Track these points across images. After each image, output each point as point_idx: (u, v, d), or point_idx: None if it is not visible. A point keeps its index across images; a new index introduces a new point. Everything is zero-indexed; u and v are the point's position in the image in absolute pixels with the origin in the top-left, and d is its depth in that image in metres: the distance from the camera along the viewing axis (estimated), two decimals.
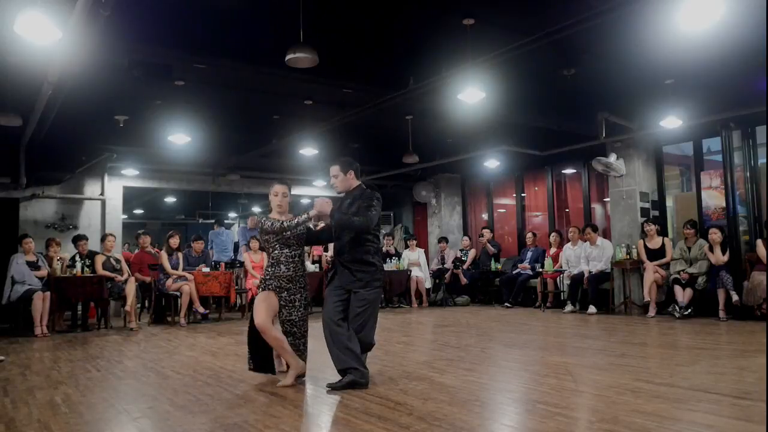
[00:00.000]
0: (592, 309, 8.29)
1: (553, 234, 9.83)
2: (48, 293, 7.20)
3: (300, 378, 3.98)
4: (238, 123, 8.61)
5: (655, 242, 8.06)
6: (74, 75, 5.45)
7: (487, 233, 10.72)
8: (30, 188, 9.22)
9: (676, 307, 7.43)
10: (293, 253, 4.00)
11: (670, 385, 3.67)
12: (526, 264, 9.75)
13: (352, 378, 3.73)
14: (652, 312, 7.72)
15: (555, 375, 4.08)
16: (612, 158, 8.51)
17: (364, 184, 4.05)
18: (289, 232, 3.95)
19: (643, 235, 8.24)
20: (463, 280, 10.43)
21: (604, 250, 8.68)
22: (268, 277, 3.98)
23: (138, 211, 19.06)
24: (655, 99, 7.29)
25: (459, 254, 10.95)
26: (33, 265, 7.44)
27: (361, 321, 3.83)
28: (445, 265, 10.74)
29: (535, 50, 5.08)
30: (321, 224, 4.32)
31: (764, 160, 7.76)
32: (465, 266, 10.73)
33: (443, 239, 11.12)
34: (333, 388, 3.72)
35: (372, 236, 3.90)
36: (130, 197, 14.20)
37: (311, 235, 4.23)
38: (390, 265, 10.32)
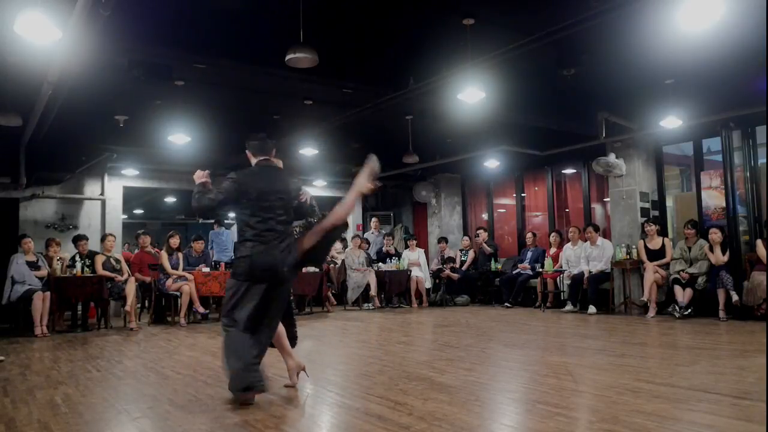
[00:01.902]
0: (592, 309, 8.29)
1: (553, 234, 9.83)
2: (48, 293, 7.20)
3: (300, 372, 3.93)
4: (238, 123, 8.60)
5: (656, 242, 8.06)
6: (74, 75, 5.45)
7: (482, 234, 10.72)
8: (30, 188, 9.22)
9: (676, 307, 7.43)
10: None
11: (670, 385, 3.67)
12: (526, 264, 9.75)
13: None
14: (652, 312, 7.72)
15: (555, 375, 4.08)
16: (612, 157, 8.52)
17: (258, 165, 3.75)
18: None
19: (644, 235, 8.25)
20: (454, 277, 10.42)
21: (604, 250, 8.68)
22: None
23: (138, 211, 19.06)
24: (655, 99, 7.29)
25: (459, 254, 10.96)
26: (33, 265, 7.44)
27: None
28: (443, 266, 10.74)
29: (535, 50, 5.08)
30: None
31: (764, 160, 7.76)
32: (465, 266, 10.74)
33: (443, 239, 11.11)
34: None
35: (241, 222, 3.59)
36: (130, 197, 14.20)
37: None
38: (390, 265, 10.33)
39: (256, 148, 3.79)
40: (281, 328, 3.87)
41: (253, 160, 3.79)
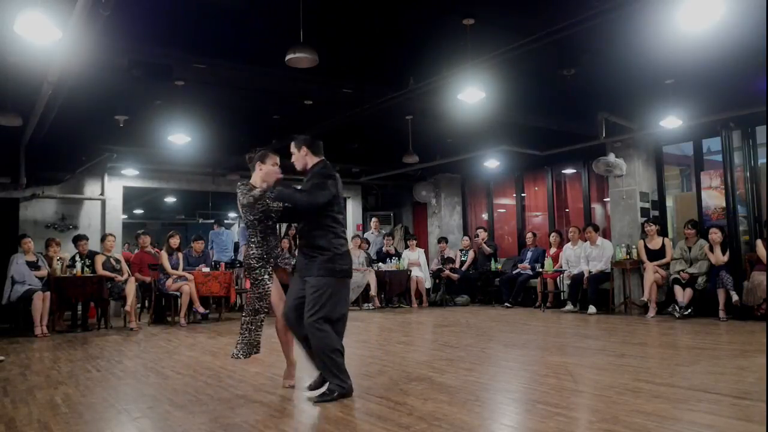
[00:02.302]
0: (592, 309, 8.29)
1: (553, 234, 9.83)
2: (48, 293, 7.20)
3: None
4: (238, 123, 8.61)
5: (656, 242, 8.06)
6: (74, 75, 5.45)
7: (482, 234, 10.72)
8: (30, 188, 9.22)
9: (676, 307, 7.43)
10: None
11: (670, 385, 3.67)
12: (526, 264, 9.76)
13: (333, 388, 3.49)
14: (652, 312, 7.72)
15: (555, 375, 4.08)
16: (612, 157, 8.52)
17: (327, 162, 3.78)
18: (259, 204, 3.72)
19: (644, 235, 8.25)
20: (454, 277, 10.42)
21: (604, 250, 8.68)
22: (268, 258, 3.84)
23: (138, 211, 19.05)
24: (655, 99, 7.28)
25: (459, 254, 10.96)
26: (33, 265, 7.44)
27: (312, 310, 3.48)
28: (443, 266, 10.74)
29: (535, 50, 5.08)
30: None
31: (764, 160, 7.76)
32: (465, 266, 10.73)
33: (443, 239, 11.11)
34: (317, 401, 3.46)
35: (330, 219, 3.58)
36: (130, 197, 14.21)
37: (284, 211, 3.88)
38: (390, 265, 10.33)
39: (319, 148, 3.80)
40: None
41: (315, 159, 3.76)
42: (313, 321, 3.45)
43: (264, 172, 3.74)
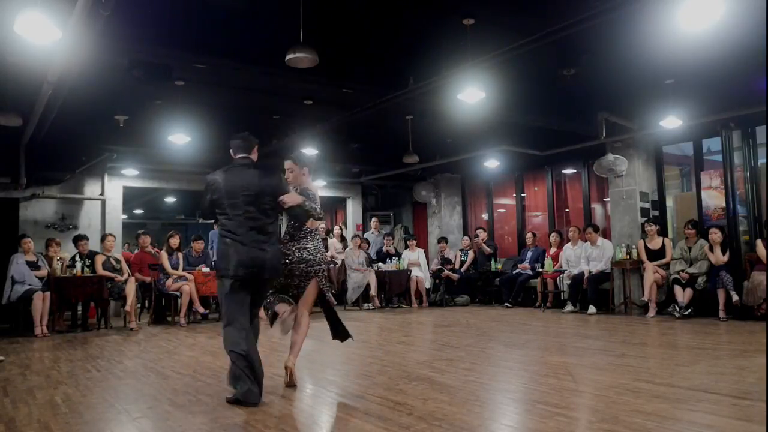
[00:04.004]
0: (592, 309, 8.29)
1: (553, 234, 9.83)
2: (48, 293, 7.20)
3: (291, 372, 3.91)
4: (238, 123, 8.59)
5: (656, 242, 8.06)
6: (74, 75, 5.45)
7: (482, 234, 10.71)
8: (30, 188, 9.22)
9: (676, 307, 7.43)
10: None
11: (670, 385, 3.67)
12: (526, 264, 9.75)
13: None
14: (652, 312, 7.72)
15: (555, 375, 4.08)
16: (612, 158, 8.52)
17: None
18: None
19: (644, 235, 8.25)
20: (454, 277, 10.42)
21: (604, 250, 8.68)
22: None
23: (138, 211, 19.06)
24: (655, 99, 7.29)
25: (459, 254, 10.96)
26: (33, 265, 7.44)
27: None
28: (442, 266, 10.74)
29: (535, 50, 5.08)
30: None
31: (764, 160, 7.76)
32: (465, 266, 10.73)
33: (443, 239, 11.11)
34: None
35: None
36: (130, 197, 14.21)
37: None
38: (390, 265, 10.33)
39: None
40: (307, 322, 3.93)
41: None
42: None
43: (290, 199, 3.74)
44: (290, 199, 3.70)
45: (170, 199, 17.22)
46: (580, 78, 6.18)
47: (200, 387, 3.94)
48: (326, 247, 10.35)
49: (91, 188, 9.95)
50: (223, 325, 3.56)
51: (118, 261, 8.14)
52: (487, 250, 10.59)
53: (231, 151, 3.77)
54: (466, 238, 11.24)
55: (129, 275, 8.04)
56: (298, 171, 3.99)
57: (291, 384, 3.84)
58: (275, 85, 6.85)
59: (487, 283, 10.58)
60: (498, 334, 6.54)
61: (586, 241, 8.93)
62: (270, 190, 3.63)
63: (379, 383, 3.92)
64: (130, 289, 7.74)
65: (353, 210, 12.94)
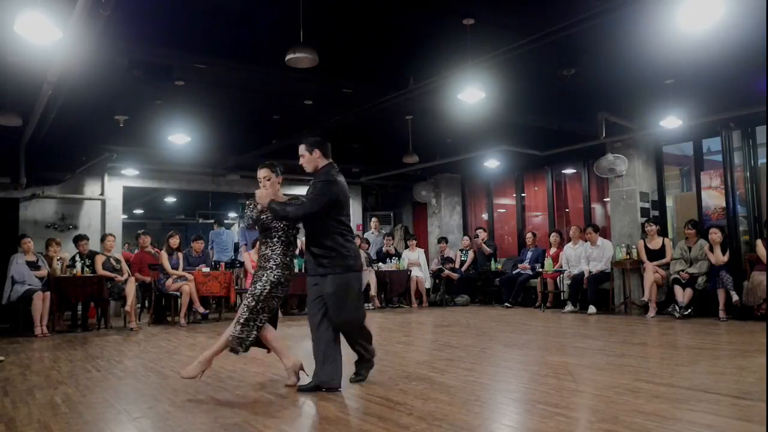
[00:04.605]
0: (592, 309, 8.29)
1: (553, 234, 9.83)
2: (48, 293, 7.20)
3: (300, 371, 3.93)
4: (238, 123, 8.61)
5: (656, 242, 8.06)
6: (74, 75, 5.45)
7: (482, 234, 10.71)
8: (30, 188, 9.22)
9: (676, 307, 7.43)
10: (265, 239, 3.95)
11: (670, 385, 3.67)
12: (526, 264, 9.76)
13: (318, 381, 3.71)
14: (652, 312, 7.72)
15: (555, 375, 4.08)
16: (612, 158, 8.52)
17: (334, 165, 3.91)
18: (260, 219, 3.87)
19: (644, 235, 8.25)
20: (454, 277, 10.42)
21: (604, 250, 8.68)
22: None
23: (138, 211, 19.05)
24: (655, 99, 7.29)
25: (459, 254, 10.95)
26: (33, 265, 7.44)
27: (336, 308, 3.71)
28: (443, 266, 10.74)
29: (535, 50, 5.08)
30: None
31: (764, 160, 7.76)
32: (465, 266, 10.73)
33: (443, 239, 11.11)
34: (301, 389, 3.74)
35: (335, 221, 3.75)
36: (130, 197, 14.20)
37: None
38: (390, 265, 10.33)
39: (329, 151, 3.96)
40: (273, 331, 3.92)
41: (325, 162, 3.91)
42: (343, 319, 3.75)
43: (258, 196, 3.80)
44: (262, 197, 3.75)
45: (170, 199, 17.22)
46: (580, 78, 6.17)
47: (200, 387, 3.94)
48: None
49: (91, 188, 9.95)
50: (361, 320, 3.89)
51: (118, 261, 8.14)
52: (487, 250, 10.59)
53: (324, 153, 3.88)
54: (466, 238, 11.24)
55: (129, 275, 8.04)
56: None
57: (291, 384, 3.85)
58: (275, 85, 6.85)
59: (487, 283, 10.58)
60: (498, 334, 6.54)
61: (586, 240, 8.94)
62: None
63: (379, 383, 3.92)
64: (130, 289, 7.74)
65: (353, 210, 12.92)
